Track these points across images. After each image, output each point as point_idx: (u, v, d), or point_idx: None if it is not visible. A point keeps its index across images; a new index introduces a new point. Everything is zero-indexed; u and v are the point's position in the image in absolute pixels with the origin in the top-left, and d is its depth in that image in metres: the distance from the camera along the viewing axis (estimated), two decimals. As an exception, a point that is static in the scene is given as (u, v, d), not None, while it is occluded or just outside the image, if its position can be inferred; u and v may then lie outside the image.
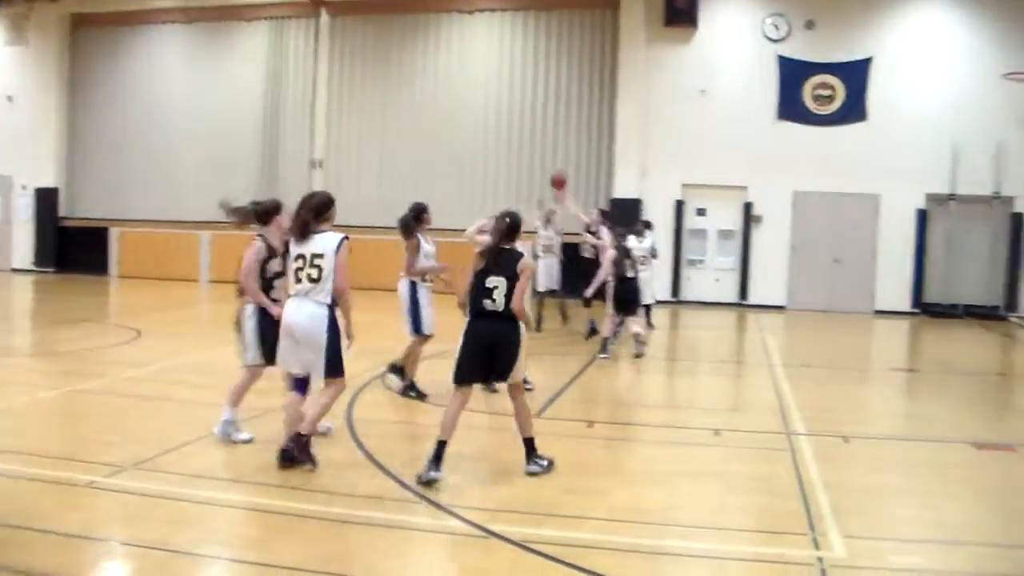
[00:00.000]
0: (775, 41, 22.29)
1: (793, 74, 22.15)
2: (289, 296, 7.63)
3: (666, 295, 22.36)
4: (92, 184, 27.53)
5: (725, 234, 22.80)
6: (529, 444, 7.69)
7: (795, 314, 21.70)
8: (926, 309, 21.80)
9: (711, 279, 22.89)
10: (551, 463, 7.68)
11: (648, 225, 17.94)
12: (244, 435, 8.31)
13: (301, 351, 7.54)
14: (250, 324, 8.25)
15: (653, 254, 17.27)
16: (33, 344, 15.28)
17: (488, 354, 7.51)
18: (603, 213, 17.25)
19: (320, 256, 7.45)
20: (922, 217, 21.78)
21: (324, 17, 25.52)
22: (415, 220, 10.33)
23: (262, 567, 5.60)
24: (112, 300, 22.39)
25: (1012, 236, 21.52)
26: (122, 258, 26.43)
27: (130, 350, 13.69)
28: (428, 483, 7.15)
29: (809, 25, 22.09)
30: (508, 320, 7.47)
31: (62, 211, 27.52)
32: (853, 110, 21.91)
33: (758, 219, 22.39)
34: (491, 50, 24.34)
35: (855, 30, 21.93)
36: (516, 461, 7.87)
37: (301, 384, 7.89)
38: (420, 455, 8.05)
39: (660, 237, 21.32)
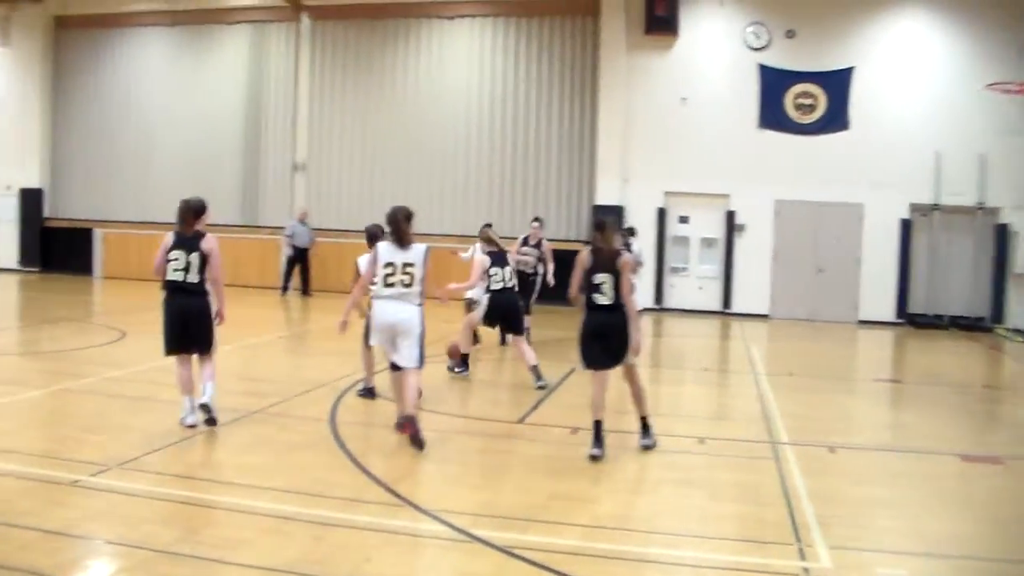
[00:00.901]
0: (756, 50, 22.27)
1: (774, 83, 22.15)
2: (378, 297, 8.61)
3: (649, 303, 22.32)
4: (76, 185, 27.45)
5: (708, 242, 22.76)
6: (644, 421, 8.88)
7: (778, 323, 21.66)
8: (911, 319, 21.75)
9: (694, 287, 22.86)
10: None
11: (631, 232, 17.86)
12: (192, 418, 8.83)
13: (396, 343, 8.59)
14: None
15: (638, 261, 17.17)
16: (18, 343, 15.15)
17: (604, 342, 8.53)
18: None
19: (411, 265, 8.53)
20: (906, 227, 21.76)
21: (305, 21, 25.42)
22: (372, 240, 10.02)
23: (245, 568, 5.54)
24: (96, 300, 22.23)
25: (997, 247, 21.47)
26: (106, 259, 26.38)
27: (114, 350, 13.61)
28: (593, 459, 8.27)
29: (790, 34, 22.07)
30: (616, 310, 8.47)
31: (46, 211, 27.40)
32: (835, 119, 21.91)
33: (741, 227, 22.38)
34: (472, 56, 24.27)
35: (836, 39, 21.91)
36: (498, 465, 7.86)
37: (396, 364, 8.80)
38: (403, 458, 8.04)
39: (642, 244, 21.45)
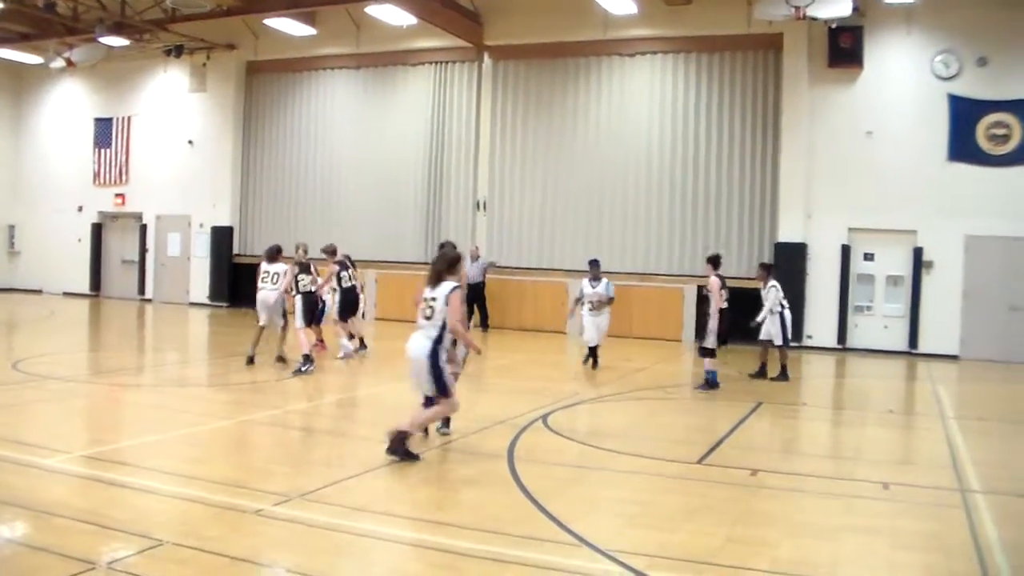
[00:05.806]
0: (945, 79, 21.48)
1: (965, 113, 21.31)
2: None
3: (832, 342, 21.90)
4: (264, 223, 28.77)
5: (894, 280, 22.07)
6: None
7: (969, 364, 20.72)
8: (1118, 361, 20.56)
9: (879, 326, 22.18)
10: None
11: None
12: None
13: None
14: None
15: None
16: (208, 376, 15.91)
17: None
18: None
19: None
20: (1108, 262, 20.65)
21: (486, 61, 26.01)
22: None
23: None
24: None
25: None
26: (293, 294, 27.35)
27: (300, 383, 14.14)
28: None
29: (981, 62, 21.17)
30: None
31: (236, 248, 28.74)
32: (1032, 150, 20.97)
33: (929, 264, 21.58)
34: (652, 93, 24.30)
35: (1033, 66, 21.04)
36: (677, 505, 7.80)
37: None
38: (581, 497, 8.08)
39: (826, 282, 21.15)
